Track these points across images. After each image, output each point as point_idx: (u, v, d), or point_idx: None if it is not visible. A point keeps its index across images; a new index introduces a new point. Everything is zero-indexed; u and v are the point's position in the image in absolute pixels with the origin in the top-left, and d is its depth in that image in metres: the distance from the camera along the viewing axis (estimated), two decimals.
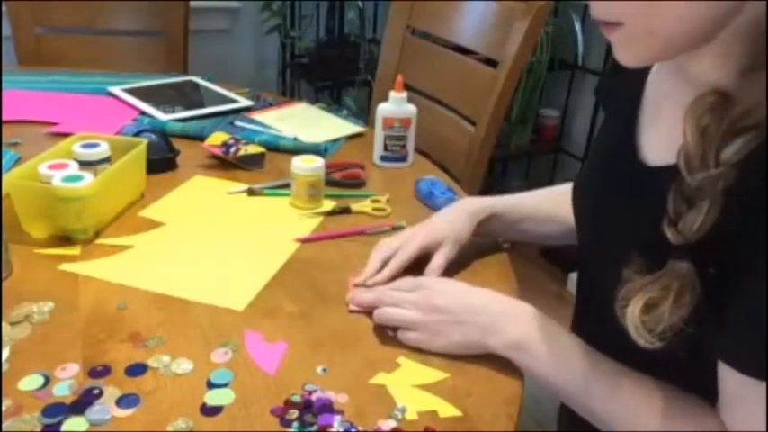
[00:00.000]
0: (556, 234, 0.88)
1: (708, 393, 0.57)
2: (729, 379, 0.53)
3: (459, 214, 0.84)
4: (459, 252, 0.82)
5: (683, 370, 0.57)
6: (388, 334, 0.71)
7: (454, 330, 0.68)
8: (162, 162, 1.05)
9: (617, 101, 0.73)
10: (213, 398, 0.61)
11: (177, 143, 1.10)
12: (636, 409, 0.60)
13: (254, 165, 1.09)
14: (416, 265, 0.79)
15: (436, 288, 0.72)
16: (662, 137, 0.63)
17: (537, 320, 0.66)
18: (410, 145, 1.13)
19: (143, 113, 1.27)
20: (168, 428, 0.57)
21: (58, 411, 0.58)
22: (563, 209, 0.83)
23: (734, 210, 0.49)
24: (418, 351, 0.69)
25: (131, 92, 1.36)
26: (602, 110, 0.80)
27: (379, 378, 0.65)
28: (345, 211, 0.97)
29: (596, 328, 0.66)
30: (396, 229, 0.91)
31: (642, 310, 0.53)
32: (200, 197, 1.00)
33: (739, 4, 0.50)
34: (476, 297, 0.70)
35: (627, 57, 0.56)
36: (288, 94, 2.55)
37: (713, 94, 0.52)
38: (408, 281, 0.75)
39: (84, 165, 0.90)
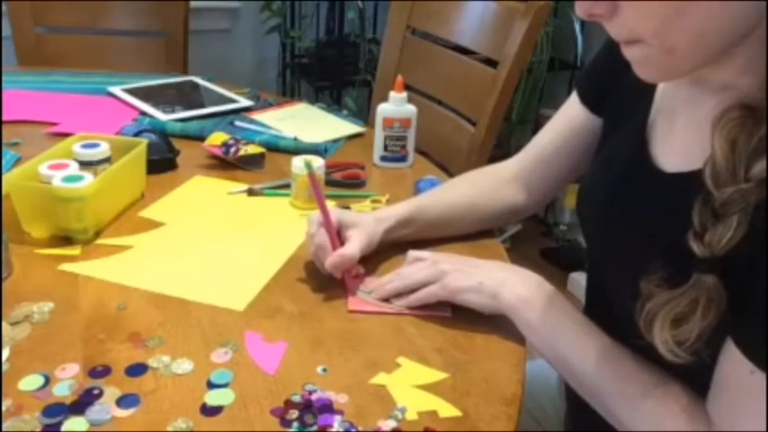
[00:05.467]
0: (475, 228, 0.91)
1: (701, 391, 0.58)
2: (733, 361, 0.53)
3: (369, 215, 0.84)
4: (372, 248, 0.81)
5: (693, 380, 0.57)
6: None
7: (472, 277, 0.73)
8: (162, 162, 1.05)
9: (621, 105, 0.72)
10: (213, 398, 0.61)
11: (177, 143, 1.10)
12: (626, 379, 0.61)
13: (254, 165, 1.09)
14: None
15: (450, 255, 0.79)
16: (678, 143, 0.62)
17: (549, 287, 0.72)
18: (410, 145, 1.13)
19: (143, 113, 1.27)
20: (168, 428, 0.57)
21: (58, 411, 0.58)
22: (476, 201, 0.90)
23: (759, 224, 0.49)
24: (418, 351, 0.69)
25: (131, 92, 1.36)
26: (591, 112, 0.80)
27: (379, 378, 0.65)
28: None
29: (606, 330, 0.66)
30: None
31: (671, 325, 0.53)
32: (200, 197, 1.00)
33: (760, 17, 0.49)
34: (490, 261, 0.77)
35: (648, 74, 0.56)
36: (288, 94, 2.55)
37: (739, 108, 0.51)
38: (421, 263, 0.77)
39: (84, 165, 0.90)
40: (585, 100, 0.80)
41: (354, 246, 0.77)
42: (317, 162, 0.97)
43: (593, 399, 0.64)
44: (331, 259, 0.76)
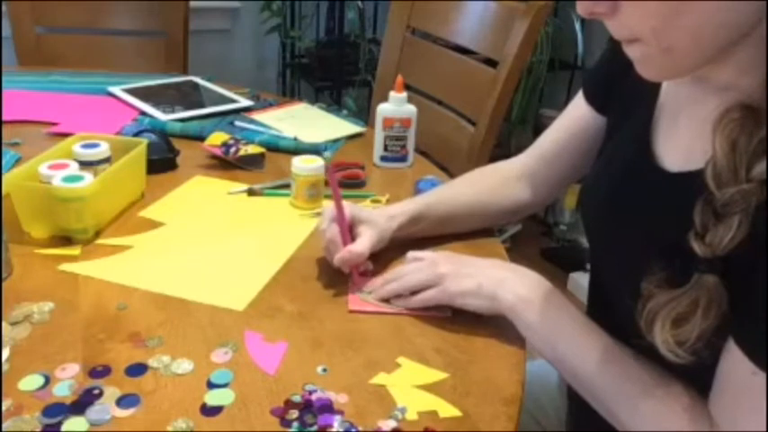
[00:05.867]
0: (480, 225, 0.93)
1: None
2: (735, 362, 0.53)
3: (380, 213, 0.85)
4: (383, 245, 0.82)
5: (696, 380, 0.57)
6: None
7: (471, 280, 0.72)
8: (162, 162, 1.05)
9: (625, 104, 0.73)
10: (213, 398, 0.61)
11: (177, 143, 1.10)
12: (627, 379, 0.61)
13: (254, 165, 1.09)
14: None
15: (449, 256, 0.78)
16: (681, 142, 0.63)
17: (548, 285, 0.71)
18: (410, 145, 1.13)
19: (143, 113, 1.27)
20: (168, 428, 0.57)
21: (58, 411, 0.58)
22: (482, 198, 0.91)
23: (761, 224, 0.49)
24: (418, 351, 0.69)
25: (131, 92, 1.36)
26: (596, 111, 0.80)
27: (379, 378, 0.65)
28: None
29: (609, 330, 0.66)
30: None
31: (671, 325, 0.53)
32: (200, 197, 1.00)
33: (760, 17, 0.50)
34: (489, 260, 0.77)
35: (649, 73, 0.56)
36: (288, 94, 2.55)
37: (740, 108, 0.51)
38: (419, 263, 0.76)
39: (84, 165, 0.90)
40: (590, 99, 0.81)
41: (364, 242, 0.78)
42: (317, 162, 0.97)
43: (594, 399, 0.64)
44: (340, 255, 0.77)
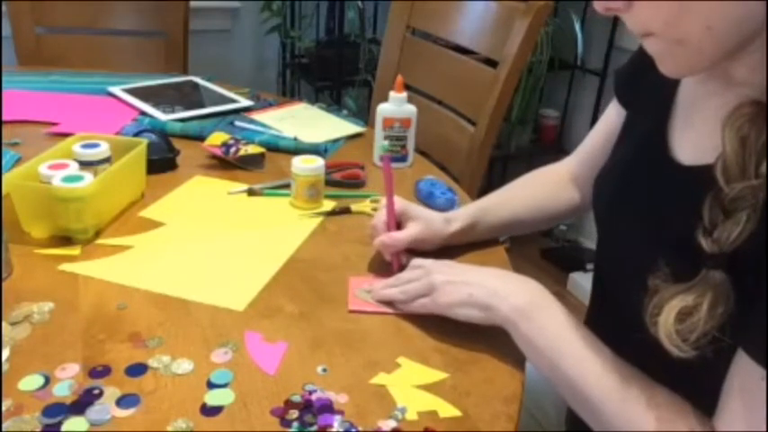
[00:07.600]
0: (537, 228, 0.95)
1: (712, 401, 0.56)
2: (743, 370, 0.52)
3: (438, 214, 0.86)
4: (434, 245, 0.84)
5: (698, 378, 0.57)
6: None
7: (461, 289, 0.70)
8: (162, 162, 1.05)
9: (645, 99, 0.73)
10: (213, 398, 0.61)
11: (177, 143, 1.10)
12: (631, 397, 0.59)
13: (254, 165, 1.09)
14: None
15: (446, 264, 0.76)
16: (695, 136, 0.63)
17: (546, 295, 0.68)
18: (410, 145, 1.13)
19: (143, 113, 1.27)
20: (168, 428, 0.57)
21: (58, 411, 0.58)
22: (539, 202, 0.93)
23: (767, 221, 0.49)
24: (418, 351, 0.69)
25: (131, 92, 1.36)
26: (622, 107, 0.80)
27: (379, 378, 0.65)
28: (345, 211, 0.97)
29: (612, 326, 0.65)
30: None
31: (676, 318, 0.53)
32: (200, 197, 1.00)
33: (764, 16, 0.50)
34: (486, 269, 0.74)
35: (668, 68, 0.57)
36: (288, 94, 2.55)
37: (751, 104, 0.52)
38: (418, 271, 0.76)
39: (84, 165, 0.90)
40: (620, 99, 0.81)
41: (407, 232, 0.81)
42: (317, 162, 0.97)
43: (592, 416, 0.61)
44: (380, 238, 0.81)
